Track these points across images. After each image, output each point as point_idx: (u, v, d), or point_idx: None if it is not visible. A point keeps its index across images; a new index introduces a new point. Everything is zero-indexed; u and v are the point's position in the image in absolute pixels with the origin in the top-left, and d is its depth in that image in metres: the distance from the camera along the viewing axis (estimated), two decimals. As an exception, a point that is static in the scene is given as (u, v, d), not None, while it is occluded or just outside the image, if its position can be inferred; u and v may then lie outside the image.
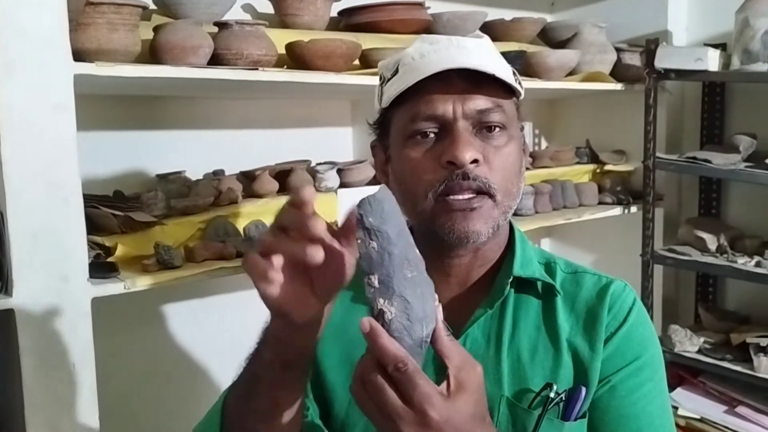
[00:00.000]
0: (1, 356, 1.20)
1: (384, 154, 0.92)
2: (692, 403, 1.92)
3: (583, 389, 0.84)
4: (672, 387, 1.98)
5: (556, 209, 2.06)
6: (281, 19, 1.65)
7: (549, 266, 0.93)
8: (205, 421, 0.86)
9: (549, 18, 2.30)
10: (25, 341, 1.12)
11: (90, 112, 1.32)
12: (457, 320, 0.88)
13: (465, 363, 0.67)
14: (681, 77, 1.98)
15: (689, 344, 1.96)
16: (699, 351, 1.96)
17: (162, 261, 1.29)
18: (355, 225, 0.65)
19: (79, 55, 1.17)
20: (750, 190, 2.10)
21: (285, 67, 1.52)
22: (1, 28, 1.06)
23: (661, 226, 2.16)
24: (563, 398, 0.84)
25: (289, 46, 1.51)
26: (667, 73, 1.96)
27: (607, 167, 2.23)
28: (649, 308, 2.06)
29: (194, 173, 1.62)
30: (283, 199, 1.58)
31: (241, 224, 1.49)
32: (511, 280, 0.87)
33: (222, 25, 1.40)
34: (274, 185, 1.59)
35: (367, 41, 1.63)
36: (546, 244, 2.50)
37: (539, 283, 0.89)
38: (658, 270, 2.10)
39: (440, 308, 0.69)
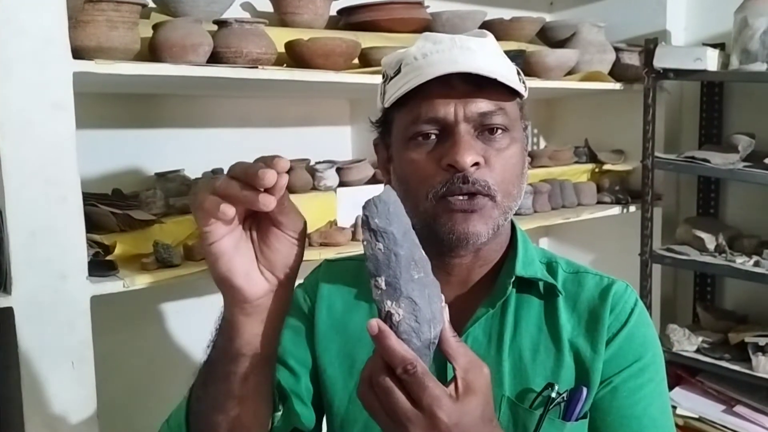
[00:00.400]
0: (0, 354, 1.20)
1: (386, 153, 0.91)
2: (690, 403, 1.92)
3: (585, 390, 0.84)
4: (670, 386, 1.96)
5: (555, 209, 2.06)
6: (280, 17, 1.65)
7: (550, 266, 0.92)
8: (176, 411, 0.86)
9: (548, 17, 2.30)
10: (24, 339, 1.12)
11: (89, 111, 1.32)
12: (458, 319, 0.87)
13: (472, 364, 0.67)
14: (680, 77, 1.98)
15: (687, 344, 1.96)
16: (697, 350, 1.96)
17: (161, 259, 1.29)
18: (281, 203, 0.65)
19: (78, 53, 1.17)
20: (748, 189, 2.10)
21: (284, 65, 1.51)
22: (0, 25, 1.06)
23: (660, 225, 2.17)
24: (564, 398, 0.84)
25: (289, 45, 1.50)
26: (665, 73, 1.96)
27: (606, 167, 2.23)
28: (648, 308, 2.05)
29: (193, 172, 1.62)
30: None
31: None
32: (513, 279, 0.87)
33: (221, 24, 1.40)
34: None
35: (367, 40, 1.63)
36: (544, 244, 2.50)
37: (541, 283, 0.89)
38: (656, 269, 2.10)
39: (446, 309, 0.69)
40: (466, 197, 0.81)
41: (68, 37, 1.13)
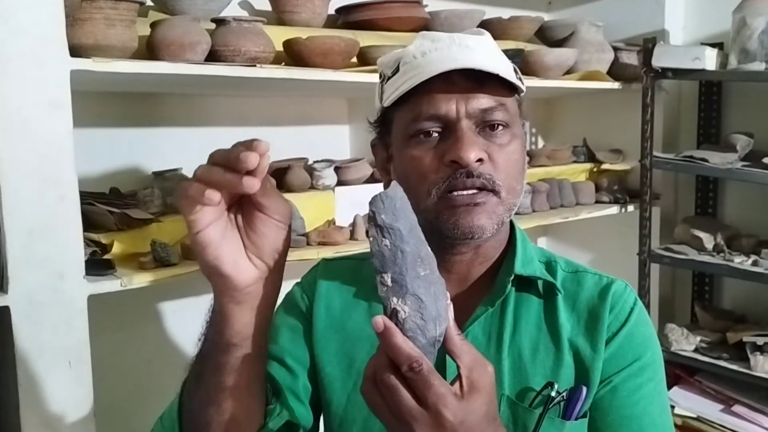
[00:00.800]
0: (-3, 354, 1.20)
1: (385, 153, 0.91)
2: (689, 402, 1.92)
3: (584, 389, 0.84)
4: (669, 386, 1.96)
5: (554, 208, 2.06)
6: (279, 16, 1.65)
7: (549, 265, 0.92)
8: (168, 408, 0.86)
9: (546, 17, 2.30)
10: (21, 339, 1.11)
11: (86, 109, 1.32)
12: (457, 318, 0.87)
13: (476, 363, 0.67)
14: (678, 76, 1.98)
15: (686, 343, 1.96)
16: (695, 350, 1.96)
17: (158, 258, 1.29)
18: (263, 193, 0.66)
19: (75, 51, 1.16)
20: (746, 189, 2.10)
21: (282, 64, 1.51)
22: (-3, 23, 1.06)
23: (658, 225, 2.16)
24: (564, 398, 0.83)
25: (287, 43, 1.50)
26: (664, 72, 1.96)
27: (604, 166, 2.23)
28: (646, 307, 2.02)
29: (191, 170, 1.61)
30: (280, 197, 1.58)
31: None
32: (512, 278, 0.87)
33: (219, 22, 1.39)
34: (271, 183, 1.58)
35: (365, 39, 1.63)
36: (543, 243, 2.50)
37: (540, 282, 0.89)
38: (654, 269, 2.10)
39: (451, 307, 0.68)
40: (470, 192, 0.81)
41: (65, 35, 1.12)
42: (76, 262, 1.16)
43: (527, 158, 0.95)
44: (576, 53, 1.97)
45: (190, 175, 1.70)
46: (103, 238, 1.31)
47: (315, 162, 1.71)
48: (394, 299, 0.64)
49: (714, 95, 2.16)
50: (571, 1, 2.36)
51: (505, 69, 0.84)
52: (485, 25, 1.97)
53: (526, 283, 0.89)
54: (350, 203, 1.63)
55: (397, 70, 0.85)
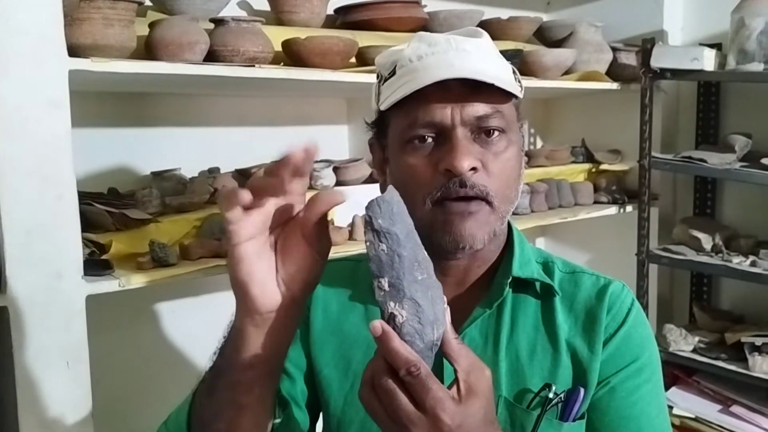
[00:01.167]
0: (-6, 354, 1.19)
1: (382, 153, 0.91)
2: (687, 403, 1.92)
3: (582, 390, 0.84)
4: (667, 386, 1.96)
5: (552, 208, 2.06)
6: (277, 16, 1.65)
7: (547, 266, 0.92)
8: (175, 414, 0.85)
9: (545, 17, 2.30)
10: (19, 339, 1.11)
11: (85, 109, 1.32)
12: (454, 320, 0.87)
13: (474, 367, 0.67)
14: (677, 77, 1.98)
15: (684, 343, 1.97)
16: (694, 350, 1.96)
17: (157, 259, 1.29)
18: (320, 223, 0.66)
19: (74, 51, 1.16)
20: (745, 189, 2.10)
21: (281, 64, 1.51)
22: (-4, 23, 1.05)
23: (657, 225, 2.17)
24: (562, 399, 0.83)
25: (286, 44, 1.50)
26: (662, 73, 1.96)
27: (603, 166, 2.23)
28: (644, 307, 2.06)
29: (189, 171, 1.62)
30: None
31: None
32: (510, 280, 0.87)
33: (218, 22, 1.39)
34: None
35: (364, 39, 1.63)
36: (541, 243, 2.50)
37: (537, 284, 0.89)
38: (653, 269, 2.10)
39: (448, 311, 0.68)
40: (462, 201, 0.81)
41: (64, 34, 1.12)
42: (74, 262, 1.16)
43: (525, 159, 0.95)
44: (575, 54, 1.97)
45: (188, 175, 1.71)
46: (101, 239, 1.31)
47: (314, 162, 1.71)
48: (392, 303, 0.64)
49: (712, 96, 2.16)
50: (569, 1, 2.36)
51: (503, 73, 0.83)
52: (484, 25, 1.97)
53: (523, 285, 0.89)
54: (349, 204, 1.62)
55: (393, 72, 0.85)
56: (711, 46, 1.97)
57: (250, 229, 0.65)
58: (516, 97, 0.86)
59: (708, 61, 1.89)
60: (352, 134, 2.00)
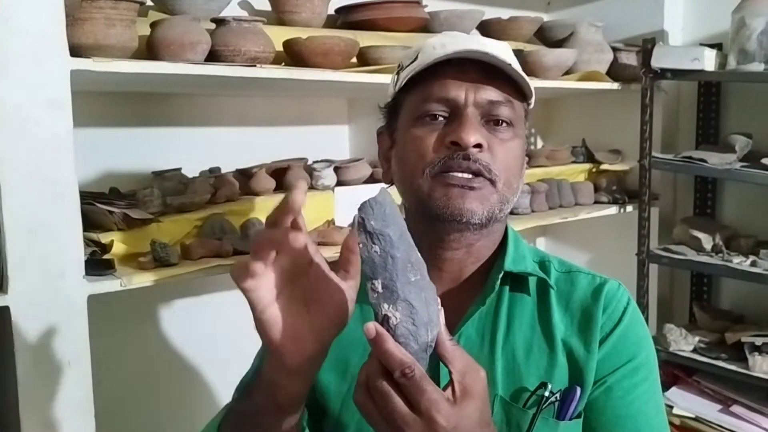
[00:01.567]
0: (-4, 354, 1.20)
1: (389, 139, 0.93)
2: (687, 402, 1.92)
3: (578, 389, 0.84)
4: (667, 386, 1.98)
5: (552, 208, 2.06)
6: (278, 16, 1.65)
7: (543, 264, 0.93)
8: None
9: (545, 17, 2.30)
10: (20, 339, 1.11)
11: (86, 109, 1.32)
12: (450, 318, 0.88)
13: (469, 368, 0.67)
14: (677, 77, 1.98)
15: (684, 343, 1.97)
16: (694, 350, 1.96)
17: (158, 258, 1.29)
18: (355, 251, 0.64)
19: (75, 51, 1.16)
20: (745, 189, 2.11)
21: (282, 64, 1.51)
22: (-3, 23, 1.05)
23: (657, 225, 2.17)
24: (558, 398, 0.84)
25: (287, 43, 1.50)
26: (663, 73, 1.96)
27: (603, 166, 2.23)
28: (645, 307, 2.06)
29: (190, 171, 1.62)
30: (280, 197, 1.58)
31: (237, 222, 1.48)
32: (501, 275, 0.87)
33: (219, 22, 1.39)
34: (271, 183, 1.58)
35: (365, 39, 1.63)
36: (542, 243, 2.50)
37: (532, 280, 0.89)
38: (653, 269, 2.10)
39: (442, 312, 0.68)
40: (466, 175, 0.82)
41: (65, 34, 1.12)
42: (75, 261, 1.16)
43: (527, 159, 0.96)
44: (575, 54, 1.97)
45: (190, 175, 1.71)
46: (102, 238, 1.31)
47: (314, 162, 1.71)
48: (386, 305, 0.64)
49: (713, 96, 2.16)
50: (570, 1, 2.36)
51: (518, 69, 0.86)
52: (485, 25, 1.97)
53: (519, 284, 0.89)
54: (350, 203, 1.63)
55: (415, 59, 0.87)
56: (711, 46, 1.98)
57: (268, 294, 0.64)
58: (526, 98, 0.89)
59: (708, 61, 1.89)
60: (353, 134, 2.00)
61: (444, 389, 0.65)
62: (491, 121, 0.85)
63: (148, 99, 1.66)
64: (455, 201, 0.82)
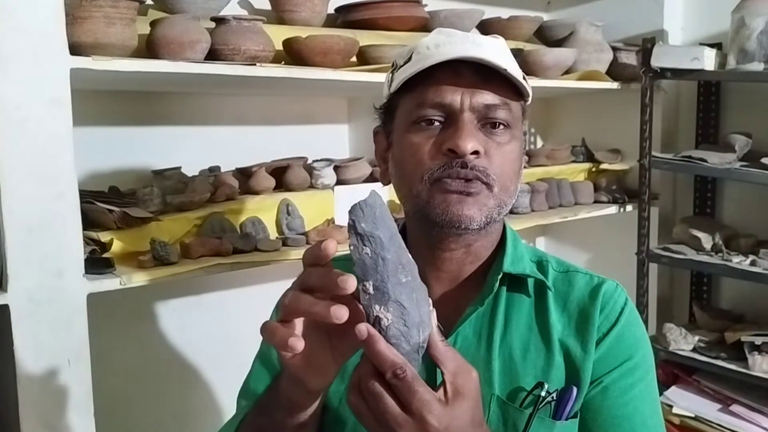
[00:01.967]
0: (-4, 352, 1.19)
1: (386, 141, 0.92)
2: (687, 402, 1.92)
3: (575, 389, 0.84)
4: (666, 385, 1.98)
5: (552, 207, 2.06)
6: (278, 15, 1.65)
7: (541, 264, 0.93)
8: None
9: (545, 17, 2.30)
10: (20, 337, 1.11)
11: (86, 108, 1.32)
12: (447, 317, 0.88)
13: (461, 369, 0.67)
14: (677, 76, 1.98)
15: (684, 343, 1.97)
16: (693, 349, 1.96)
17: (158, 257, 1.29)
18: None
19: (75, 50, 1.16)
20: (745, 189, 2.11)
21: (282, 63, 1.51)
22: (-3, 21, 1.06)
23: (657, 224, 2.17)
24: (554, 398, 0.84)
25: (287, 42, 1.50)
26: (663, 72, 1.96)
27: (603, 166, 2.23)
28: (644, 307, 2.06)
29: (190, 170, 1.62)
30: (279, 196, 1.58)
31: (237, 221, 1.49)
32: (500, 276, 0.87)
33: (219, 21, 1.39)
34: (271, 182, 1.58)
35: (365, 38, 1.63)
36: (541, 243, 2.50)
37: (531, 281, 0.89)
38: (653, 268, 2.10)
39: (434, 313, 0.68)
40: (462, 181, 0.82)
41: (65, 33, 1.12)
42: (75, 260, 1.16)
43: (526, 158, 0.96)
44: (575, 53, 1.97)
45: (189, 174, 1.71)
46: (102, 237, 1.31)
47: (314, 161, 1.71)
48: (377, 307, 0.64)
49: (712, 95, 2.16)
50: (570, 1, 2.36)
51: (514, 71, 0.85)
52: (485, 24, 1.97)
53: (517, 284, 0.89)
54: (349, 202, 1.62)
55: (409, 59, 0.86)
56: (711, 45, 1.97)
57: (300, 342, 0.64)
58: (523, 96, 0.88)
59: (708, 60, 1.89)
60: (353, 133, 2.00)
61: (436, 390, 0.65)
62: (488, 123, 0.84)
63: (148, 98, 1.66)
64: (454, 208, 0.82)
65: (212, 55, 1.36)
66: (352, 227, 0.64)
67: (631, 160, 2.19)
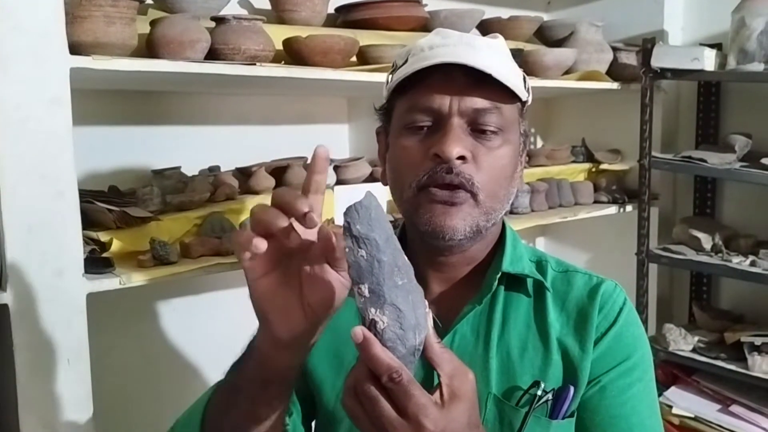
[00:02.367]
0: (-5, 352, 1.19)
1: (385, 141, 0.92)
2: (686, 402, 1.92)
3: (572, 388, 0.84)
4: (666, 386, 1.98)
5: (552, 208, 2.06)
6: (278, 14, 1.65)
7: (540, 264, 0.93)
8: (184, 420, 0.86)
9: (545, 17, 2.30)
10: (19, 337, 1.11)
11: (86, 107, 1.32)
12: (446, 316, 0.88)
13: (457, 371, 0.66)
14: (677, 77, 1.98)
15: (683, 343, 1.97)
16: (693, 350, 1.96)
17: (157, 256, 1.29)
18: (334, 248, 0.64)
19: (75, 49, 1.16)
20: (744, 189, 2.11)
21: (282, 62, 1.51)
22: (-3, 20, 1.05)
23: (656, 225, 2.17)
24: (551, 397, 0.84)
25: (287, 42, 1.50)
26: (663, 73, 1.96)
27: (603, 166, 2.23)
28: (644, 307, 2.06)
29: (190, 169, 1.62)
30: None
31: (237, 220, 1.48)
32: (499, 275, 0.87)
33: (219, 20, 1.39)
34: (271, 181, 1.58)
35: (365, 38, 1.63)
36: (541, 243, 2.50)
37: (530, 281, 0.90)
38: (652, 269, 2.10)
39: (430, 315, 0.68)
40: (448, 190, 0.82)
41: (65, 32, 1.12)
42: (75, 259, 1.16)
43: (526, 159, 0.96)
44: (575, 53, 1.97)
45: (189, 173, 1.71)
46: (102, 236, 1.31)
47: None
48: (373, 310, 0.63)
49: (712, 96, 2.16)
50: (570, 1, 2.36)
51: (508, 73, 0.84)
52: (485, 24, 1.97)
53: (516, 283, 0.89)
54: (349, 202, 1.62)
55: (406, 61, 0.87)
56: (711, 46, 1.97)
57: (265, 266, 0.65)
58: (519, 99, 0.87)
59: (708, 61, 1.89)
60: (353, 133, 2.00)
61: (432, 392, 0.65)
62: (479, 127, 0.84)
63: (148, 97, 1.66)
64: (437, 219, 0.82)
65: (212, 55, 1.36)
66: (347, 229, 0.63)
67: (631, 160, 2.19)
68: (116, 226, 1.33)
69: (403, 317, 0.64)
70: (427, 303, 0.68)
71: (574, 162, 2.22)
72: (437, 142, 0.82)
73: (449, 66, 0.81)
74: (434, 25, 1.81)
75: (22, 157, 1.09)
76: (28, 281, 1.11)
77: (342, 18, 1.78)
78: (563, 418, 0.84)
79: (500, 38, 0.90)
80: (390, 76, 0.90)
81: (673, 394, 1.95)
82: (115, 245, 1.32)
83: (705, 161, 1.92)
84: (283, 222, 0.62)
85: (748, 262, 1.88)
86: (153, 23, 1.32)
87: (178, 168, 1.58)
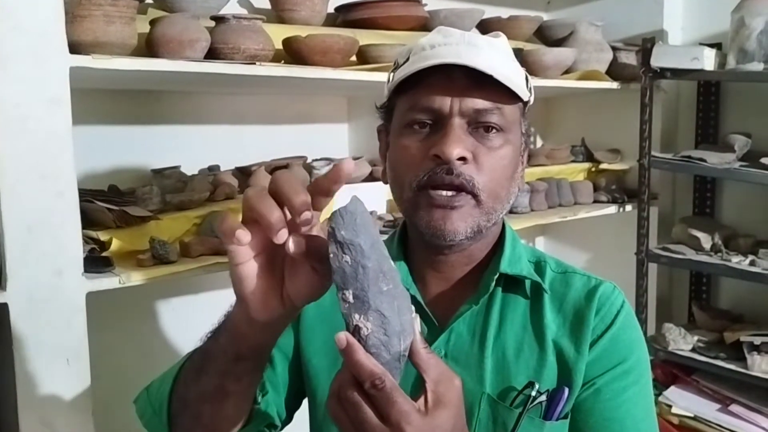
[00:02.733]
0: (-5, 351, 1.19)
1: (386, 140, 0.92)
2: (686, 402, 1.93)
3: (566, 390, 0.84)
4: (666, 385, 1.98)
5: (552, 207, 2.06)
6: (278, 14, 1.65)
7: (539, 265, 0.93)
8: (158, 384, 0.86)
9: (545, 16, 2.30)
10: (19, 336, 1.11)
11: (85, 107, 1.32)
12: (443, 315, 0.88)
13: (443, 376, 0.66)
14: (677, 76, 1.98)
15: (683, 343, 1.97)
16: (693, 349, 1.97)
17: (157, 256, 1.29)
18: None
19: (75, 48, 1.16)
20: (744, 189, 2.11)
21: (282, 62, 1.51)
22: (-3, 20, 1.05)
23: (656, 224, 2.17)
24: (545, 398, 0.84)
25: (287, 41, 1.50)
26: (662, 72, 1.96)
27: (603, 166, 2.23)
28: (644, 307, 2.06)
29: (190, 168, 1.62)
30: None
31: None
32: (497, 276, 0.87)
33: (219, 20, 1.39)
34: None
35: (364, 37, 1.63)
36: (541, 242, 2.50)
37: (527, 282, 0.89)
38: (652, 268, 2.10)
39: (417, 320, 0.67)
40: (448, 193, 0.81)
41: (65, 31, 1.12)
42: (74, 259, 1.16)
43: (526, 158, 0.95)
44: (575, 53, 1.97)
45: (189, 173, 1.71)
46: (101, 236, 1.31)
47: (314, 160, 1.71)
48: (356, 316, 0.62)
49: (712, 95, 2.16)
50: (570, 0, 2.36)
51: (509, 73, 0.84)
52: (485, 24, 1.97)
53: (513, 284, 0.89)
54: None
55: (407, 59, 0.86)
56: (711, 45, 1.98)
57: (248, 252, 0.64)
58: (521, 99, 0.86)
59: (708, 60, 1.89)
60: (353, 132, 2.00)
61: (417, 399, 0.64)
62: (480, 127, 0.83)
63: (148, 96, 1.66)
64: (437, 222, 0.82)
65: (212, 54, 1.36)
66: (332, 235, 0.61)
67: (630, 160, 2.19)
68: (116, 225, 1.34)
69: (388, 323, 0.63)
70: (413, 308, 0.68)
71: (573, 161, 2.22)
72: (437, 142, 0.81)
73: (450, 66, 0.81)
74: (434, 25, 1.80)
75: (21, 157, 1.09)
76: (28, 280, 1.11)
77: (342, 17, 1.78)
78: (557, 420, 0.84)
79: (502, 37, 0.89)
80: (391, 74, 0.90)
81: (673, 393, 1.95)
82: (115, 244, 1.32)
83: (704, 161, 1.92)
84: (274, 216, 0.61)
85: (747, 261, 1.89)
86: (153, 22, 1.32)
87: (178, 167, 1.58)
